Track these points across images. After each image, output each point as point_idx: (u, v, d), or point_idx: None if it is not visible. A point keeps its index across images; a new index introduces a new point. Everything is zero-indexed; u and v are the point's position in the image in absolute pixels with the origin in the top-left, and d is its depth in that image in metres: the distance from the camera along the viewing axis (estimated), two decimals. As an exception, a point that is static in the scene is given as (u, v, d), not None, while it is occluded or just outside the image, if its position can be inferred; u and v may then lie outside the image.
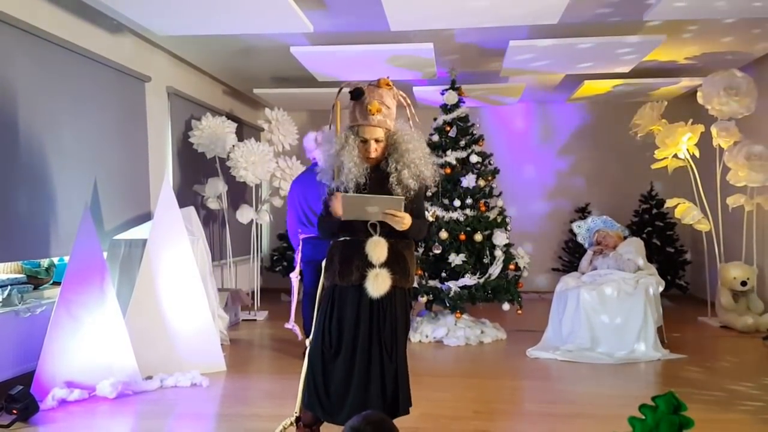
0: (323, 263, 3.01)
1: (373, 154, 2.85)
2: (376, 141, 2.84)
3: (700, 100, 6.46)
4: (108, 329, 4.07)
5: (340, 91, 2.97)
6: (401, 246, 2.89)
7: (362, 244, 2.80)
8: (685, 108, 7.85)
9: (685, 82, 7.17)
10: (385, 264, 2.79)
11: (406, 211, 2.77)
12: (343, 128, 2.96)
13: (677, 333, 5.87)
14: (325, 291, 3.00)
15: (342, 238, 2.91)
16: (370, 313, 2.86)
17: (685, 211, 6.51)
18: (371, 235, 2.80)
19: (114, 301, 4.14)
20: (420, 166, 2.86)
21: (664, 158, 6.62)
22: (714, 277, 6.74)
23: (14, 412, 3.48)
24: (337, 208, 2.81)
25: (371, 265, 2.78)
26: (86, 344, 3.99)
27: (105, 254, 4.58)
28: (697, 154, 6.52)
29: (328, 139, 3.00)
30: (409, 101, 2.99)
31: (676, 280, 8.10)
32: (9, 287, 4.09)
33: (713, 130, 6.41)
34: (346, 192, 2.82)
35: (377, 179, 2.86)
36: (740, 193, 6.41)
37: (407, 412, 2.91)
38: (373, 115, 2.78)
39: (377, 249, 2.78)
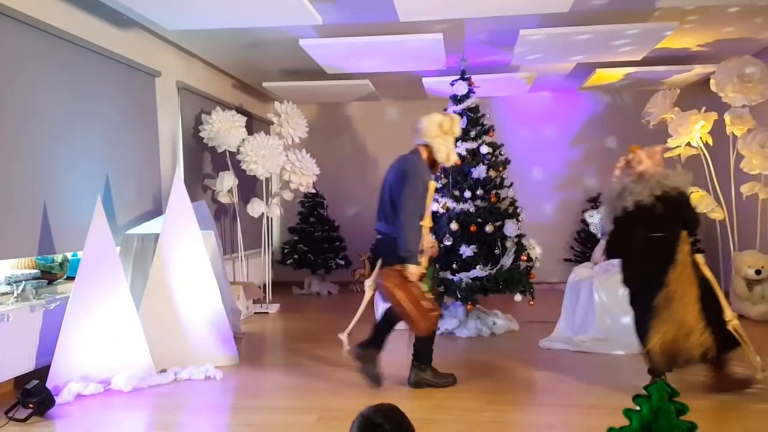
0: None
1: None
2: None
3: (713, 88, 6.38)
4: (122, 323, 4.10)
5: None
6: None
7: None
8: (698, 96, 7.74)
9: (698, 70, 7.09)
10: None
11: None
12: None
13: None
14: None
15: None
16: None
17: (698, 200, 6.46)
18: None
19: (127, 295, 4.16)
20: None
21: (677, 146, 6.56)
22: (728, 266, 6.68)
23: (30, 406, 3.51)
24: None
25: None
26: (101, 338, 4.02)
27: (118, 249, 4.60)
28: (711, 142, 6.46)
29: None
30: None
31: (690, 269, 8.03)
32: (24, 282, 4.12)
33: (727, 117, 6.34)
34: None
35: None
36: (754, 181, 6.34)
37: None
38: None
39: None
